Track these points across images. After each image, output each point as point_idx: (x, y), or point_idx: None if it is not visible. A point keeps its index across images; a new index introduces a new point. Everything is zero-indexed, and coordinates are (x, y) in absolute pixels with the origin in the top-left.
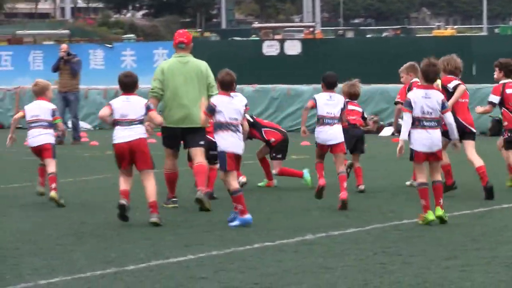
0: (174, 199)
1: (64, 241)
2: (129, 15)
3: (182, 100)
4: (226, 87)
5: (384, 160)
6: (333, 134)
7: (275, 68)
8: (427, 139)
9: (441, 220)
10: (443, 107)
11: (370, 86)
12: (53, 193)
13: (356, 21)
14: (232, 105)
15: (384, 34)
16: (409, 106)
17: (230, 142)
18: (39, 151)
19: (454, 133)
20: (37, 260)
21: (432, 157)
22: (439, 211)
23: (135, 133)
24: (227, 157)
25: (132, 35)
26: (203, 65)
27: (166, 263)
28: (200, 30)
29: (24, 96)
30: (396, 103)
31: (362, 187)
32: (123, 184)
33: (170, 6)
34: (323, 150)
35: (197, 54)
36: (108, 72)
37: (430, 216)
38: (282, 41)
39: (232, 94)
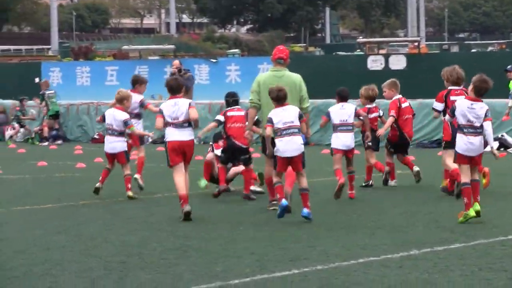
0: (274, 202)
1: (169, 255)
2: (233, 30)
3: None
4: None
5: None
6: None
7: (380, 82)
8: (468, 144)
9: (478, 213)
10: (485, 116)
11: None
12: (129, 193)
13: (461, 35)
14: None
15: (489, 49)
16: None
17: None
18: (112, 156)
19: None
20: (142, 274)
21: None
22: (477, 206)
23: (187, 134)
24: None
25: (236, 50)
26: (297, 78)
27: (271, 278)
28: (304, 44)
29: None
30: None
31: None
32: (181, 187)
33: (275, 21)
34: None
35: (302, 69)
36: (213, 87)
37: (472, 212)
38: (386, 56)
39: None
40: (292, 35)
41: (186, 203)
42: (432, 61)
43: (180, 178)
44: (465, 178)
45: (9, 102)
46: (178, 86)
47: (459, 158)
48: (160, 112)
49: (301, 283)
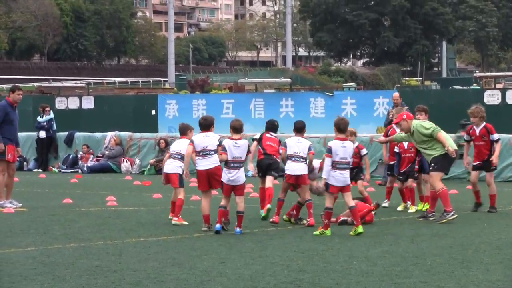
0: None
1: None
2: (349, 63)
3: None
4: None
5: None
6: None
7: (496, 117)
8: None
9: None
10: None
11: None
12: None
13: None
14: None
15: None
16: None
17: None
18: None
19: None
20: None
21: None
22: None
23: (212, 162)
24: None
25: (352, 84)
26: None
27: None
28: (420, 78)
29: None
30: None
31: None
32: (206, 208)
33: (391, 55)
34: None
35: (418, 103)
36: (328, 120)
37: (328, 233)
38: (504, 90)
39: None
40: (408, 69)
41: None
42: None
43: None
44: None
45: (125, 134)
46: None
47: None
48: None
49: None
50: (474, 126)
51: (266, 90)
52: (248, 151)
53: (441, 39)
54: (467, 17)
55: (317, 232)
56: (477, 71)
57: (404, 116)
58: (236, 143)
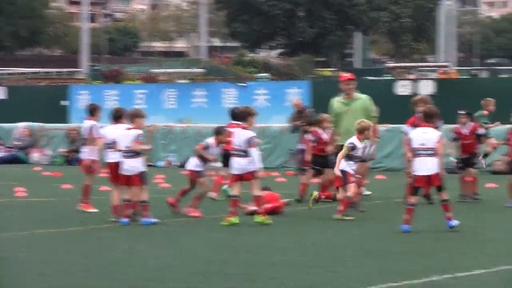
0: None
1: (192, 279)
2: (264, 54)
3: None
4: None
5: None
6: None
7: (407, 107)
8: None
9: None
10: None
11: (503, 127)
12: None
13: (492, 60)
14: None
15: None
16: None
17: None
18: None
19: None
20: None
21: None
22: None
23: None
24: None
25: (266, 74)
26: None
27: None
28: (334, 69)
29: (157, 134)
30: None
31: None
32: (116, 199)
33: (306, 45)
34: None
35: (331, 93)
36: None
37: (235, 220)
38: (415, 81)
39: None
40: (322, 59)
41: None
42: (461, 87)
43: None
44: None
45: (37, 124)
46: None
47: None
48: None
49: None
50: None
51: (179, 81)
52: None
53: (355, 30)
54: (382, 8)
55: (225, 223)
56: (390, 62)
57: None
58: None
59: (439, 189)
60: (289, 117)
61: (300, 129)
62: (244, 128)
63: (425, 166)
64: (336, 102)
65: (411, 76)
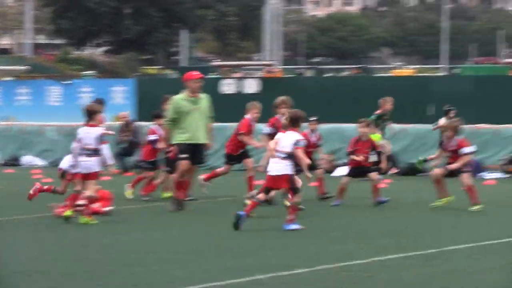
0: None
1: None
2: (90, 51)
3: None
4: None
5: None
6: None
7: (233, 106)
8: None
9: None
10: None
11: (328, 125)
12: None
13: (317, 59)
14: None
15: (343, 73)
16: None
17: None
18: None
19: None
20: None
21: None
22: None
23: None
24: None
25: (92, 72)
26: None
27: None
28: (160, 67)
29: None
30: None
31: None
32: None
33: (132, 43)
34: None
35: (157, 91)
36: (65, 108)
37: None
38: (240, 79)
39: None
40: (148, 57)
41: None
42: (286, 85)
43: None
44: None
45: None
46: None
47: None
48: None
49: None
50: None
51: (4, 78)
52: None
53: (181, 28)
54: (208, 6)
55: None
56: (216, 60)
57: None
58: None
59: (290, 191)
60: (117, 130)
61: (124, 142)
62: (92, 126)
63: (276, 167)
64: (181, 100)
65: (237, 75)
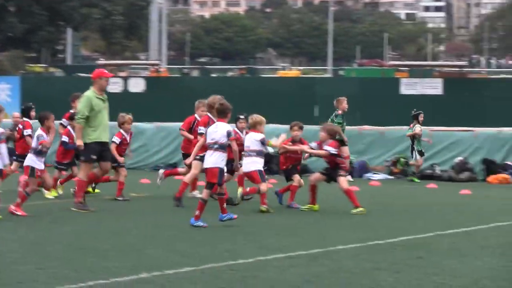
0: None
1: None
2: None
3: None
4: None
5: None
6: None
7: (119, 105)
8: None
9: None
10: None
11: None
12: None
13: (202, 59)
14: None
15: (229, 74)
16: None
17: None
18: None
19: None
20: None
21: None
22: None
23: None
24: None
25: None
26: None
27: None
28: (45, 65)
29: None
30: None
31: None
32: None
33: (16, 41)
34: None
35: (42, 89)
36: None
37: None
38: (126, 79)
39: None
40: (33, 55)
41: None
42: (171, 85)
43: None
44: None
45: None
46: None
47: None
48: None
49: None
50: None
51: None
52: None
53: (66, 26)
54: (93, 4)
55: None
56: (101, 59)
57: None
58: None
59: (216, 184)
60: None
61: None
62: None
63: (208, 160)
64: (94, 98)
65: (122, 74)
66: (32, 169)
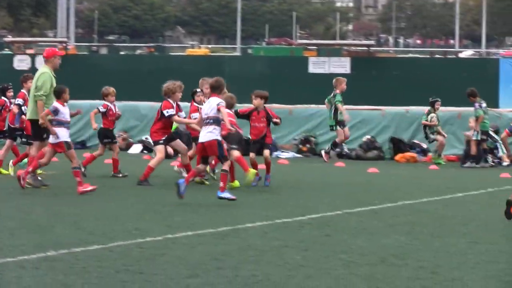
0: None
1: None
2: None
3: None
4: None
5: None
6: None
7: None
8: None
9: None
10: None
11: (122, 103)
12: None
13: (111, 37)
14: None
15: (138, 52)
16: None
17: None
18: None
19: None
20: None
21: None
22: None
23: None
24: None
25: None
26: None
27: None
28: None
29: None
30: None
31: None
32: None
33: None
34: None
35: None
36: None
37: None
38: (33, 56)
39: None
40: None
41: None
42: (80, 63)
43: None
44: None
45: None
46: None
47: None
48: None
49: None
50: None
51: None
52: None
53: None
54: None
55: None
56: (9, 36)
57: None
58: None
59: (219, 158)
60: None
61: None
62: None
63: (202, 134)
64: (52, 76)
65: (30, 51)
66: (67, 143)
